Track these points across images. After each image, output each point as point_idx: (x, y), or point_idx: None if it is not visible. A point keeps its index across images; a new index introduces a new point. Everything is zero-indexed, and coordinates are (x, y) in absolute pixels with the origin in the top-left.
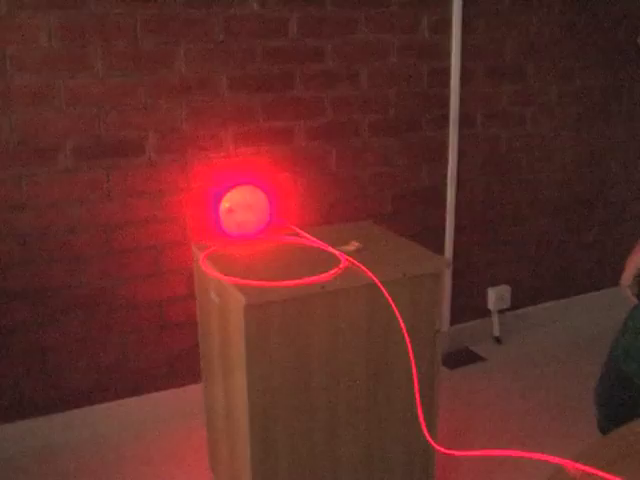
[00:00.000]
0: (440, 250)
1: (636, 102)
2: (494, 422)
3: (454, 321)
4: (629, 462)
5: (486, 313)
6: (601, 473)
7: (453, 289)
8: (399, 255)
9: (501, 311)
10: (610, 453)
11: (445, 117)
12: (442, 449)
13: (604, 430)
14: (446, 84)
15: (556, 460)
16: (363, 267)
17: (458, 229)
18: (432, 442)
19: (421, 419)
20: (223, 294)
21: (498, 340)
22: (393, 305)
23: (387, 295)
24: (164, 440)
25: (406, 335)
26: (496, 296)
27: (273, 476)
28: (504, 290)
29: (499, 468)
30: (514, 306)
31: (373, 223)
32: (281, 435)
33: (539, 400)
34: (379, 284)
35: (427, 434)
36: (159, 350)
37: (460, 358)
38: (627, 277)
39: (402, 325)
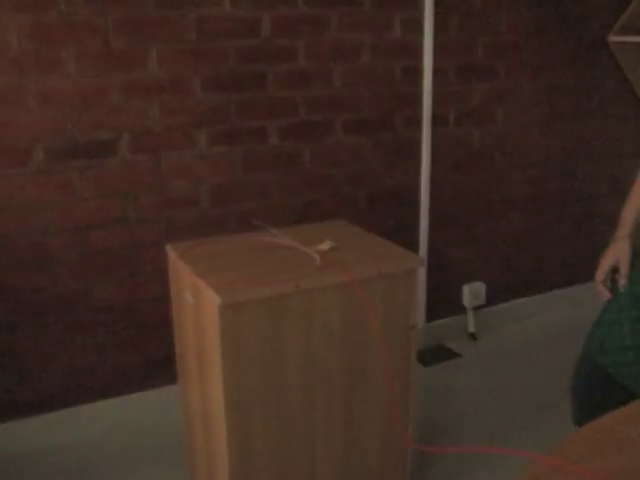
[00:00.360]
0: (415, 248)
1: (606, 99)
2: (470, 418)
3: (429, 318)
4: (604, 455)
5: (461, 309)
6: (575, 467)
7: (428, 286)
8: (373, 253)
9: (476, 307)
10: (585, 446)
11: (418, 116)
12: (417, 446)
13: (579, 422)
14: (418, 83)
15: (530, 455)
16: (337, 266)
17: (432, 227)
18: (407, 439)
19: (395, 416)
20: (198, 294)
21: (473, 336)
22: (367, 303)
23: (361, 293)
24: (141, 442)
25: (381, 333)
26: (471, 293)
27: (251, 475)
28: (479, 286)
29: (475, 464)
30: (489, 302)
31: (347, 222)
32: (258, 434)
33: (514, 395)
34: (353, 282)
35: (402, 431)
36: (135, 351)
37: (435, 354)
38: (601, 273)
39: (376, 323)
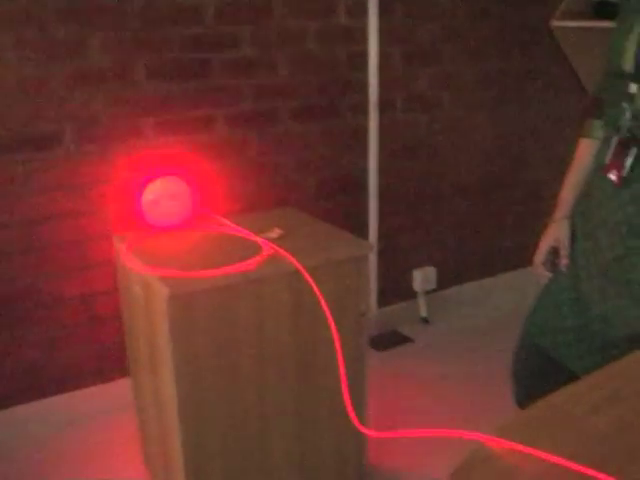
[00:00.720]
0: (364, 234)
1: (550, 84)
2: (423, 402)
3: (382, 304)
4: (547, 434)
5: (413, 295)
6: (521, 447)
7: (379, 272)
8: (322, 241)
9: (427, 292)
10: (531, 426)
11: (365, 102)
12: (367, 431)
13: (522, 405)
14: (364, 69)
15: (480, 437)
16: (286, 254)
17: (382, 213)
18: (358, 424)
19: (347, 403)
20: (146, 286)
21: (425, 321)
22: (317, 291)
23: (311, 281)
24: (95, 437)
25: (331, 320)
26: (422, 277)
27: (206, 465)
28: (429, 271)
29: (430, 447)
30: (440, 287)
31: (296, 209)
32: (212, 424)
33: (467, 378)
34: (303, 270)
35: (353, 416)
36: (86, 345)
37: (388, 340)
38: (540, 255)
39: (327, 310)
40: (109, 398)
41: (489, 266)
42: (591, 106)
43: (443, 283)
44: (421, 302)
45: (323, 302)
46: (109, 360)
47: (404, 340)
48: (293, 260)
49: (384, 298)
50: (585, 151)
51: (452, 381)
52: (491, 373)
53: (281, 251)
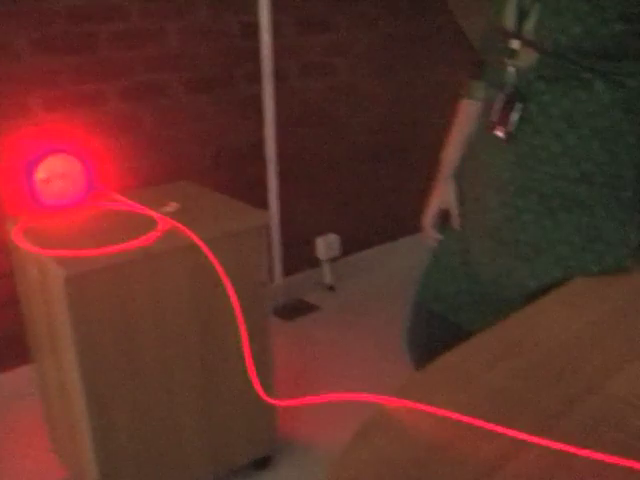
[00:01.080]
0: (265, 204)
1: (442, 48)
2: (331, 369)
3: (286, 273)
4: (444, 392)
5: (317, 263)
6: (418, 406)
7: (283, 241)
8: (219, 212)
9: (332, 259)
10: (429, 385)
11: (258, 71)
12: (273, 401)
13: (418, 369)
14: (257, 37)
15: (377, 399)
16: (183, 228)
17: (282, 182)
18: (263, 394)
19: (252, 374)
20: (42, 268)
21: (331, 288)
22: (216, 263)
23: (209, 254)
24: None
25: (232, 291)
26: (325, 245)
27: (116, 445)
28: (332, 239)
29: (340, 413)
30: (344, 253)
31: (192, 182)
32: (118, 404)
33: (372, 344)
34: (201, 243)
35: (258, 387)
36: None
37: (295, 309)
38: (429, 218)
39: (227, 282)
40: (12, 386)
41: (391, 231)
42: (472, 67)
43: (347, 250)
44: (326, 270)
45: (222, 274)
46: (9, 347)
47: (310, 308)
48: (190, 233)
49: (289, 267)
50: (466, 111)
51: (358, 346)
52: (394, 339)
53: (178, 225)
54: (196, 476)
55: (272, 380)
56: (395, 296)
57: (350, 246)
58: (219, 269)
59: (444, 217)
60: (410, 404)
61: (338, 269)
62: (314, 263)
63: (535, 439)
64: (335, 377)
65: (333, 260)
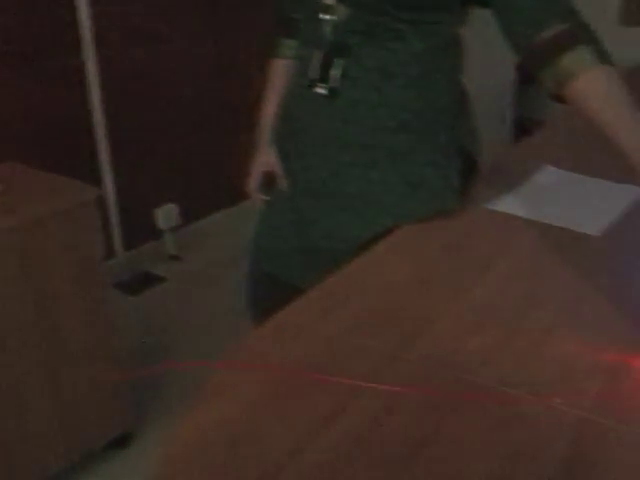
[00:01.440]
0: (98, 179)
1: (265, 9)
2: (178, 339)
3: (128, 246)
4: (283, 348)
5: (159, 233)
6: (257, 365)
7: (121, 215)
8: (46, 191)
9: (173, 229)
10: (263, 344)
11: (78, 40)
12: (117, 376)
13: None
14: (74, 5)
15: (216, 363)
16: (8, 209)
17: (115, 154)
18: (116, 370)
19: (99, 353)
20: None
21: (176, 258)
22: (47, 244)
23: (39, 235)
24: None
25: (68, 271)
26: (164, 215)
27: None
28: (171, 208)
29: (179, 381)
30: (185, 222)
31: (17, 163)
32: None
33: (222, 310)
34: (28, 225)
35: (110, 365)
36: None
37: (140, 282)
38: (254, 180)
39: (61, 262)
40: None
41: (230, 196)
42: (279, 26)
43: (188, 218)
44: (168, 240)
45: (55, 255)
46: None
47: (156, 280)
48: (15, 215)
49: (130, 240)
50: (279, 71)
51: (203, 315)
52: (240, 305)
53: (2, 207)
54: (45, 462)
55: (120, 356)
56: (240, 260)
57: (190, 214)
58: (51, 249)
59: (271, 178)
60: (244, 364)
61: (181, 238)
62: (157, 234)
63: (368, 385)
64: (185, 346)
65: (174, 229)
